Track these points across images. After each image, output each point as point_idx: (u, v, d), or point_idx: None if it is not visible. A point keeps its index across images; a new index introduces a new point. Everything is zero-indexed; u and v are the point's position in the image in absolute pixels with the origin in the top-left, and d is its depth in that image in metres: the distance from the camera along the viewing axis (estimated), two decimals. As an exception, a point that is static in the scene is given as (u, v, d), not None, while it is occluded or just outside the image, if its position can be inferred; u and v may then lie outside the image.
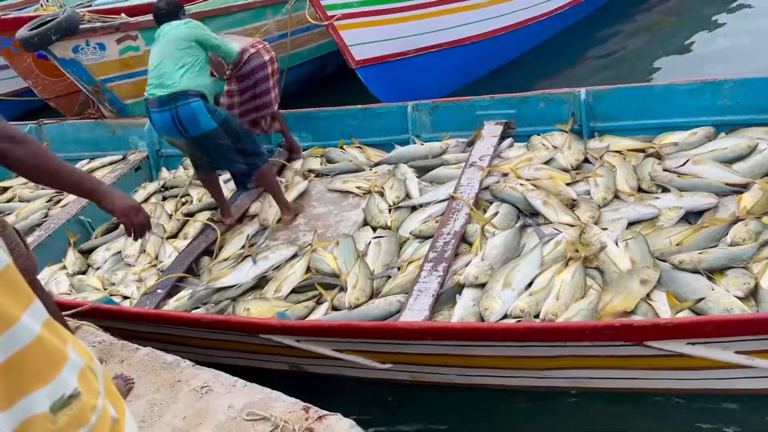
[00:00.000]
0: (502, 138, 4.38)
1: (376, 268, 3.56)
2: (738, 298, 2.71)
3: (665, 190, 3.57)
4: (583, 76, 6.44)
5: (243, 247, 4.07)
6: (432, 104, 4.73)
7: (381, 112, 4.90)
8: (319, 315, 3.36)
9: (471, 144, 4.56)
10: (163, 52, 3.79)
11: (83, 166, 5.66)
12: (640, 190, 3.65)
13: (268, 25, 6.77)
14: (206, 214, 4.60)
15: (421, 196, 4.06)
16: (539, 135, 4.32)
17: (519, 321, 2.81)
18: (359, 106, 4.97)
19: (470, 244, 3.55)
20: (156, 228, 4.54)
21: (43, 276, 4.37)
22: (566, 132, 4.27)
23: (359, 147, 4.95)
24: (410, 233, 3.77)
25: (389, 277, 3.51)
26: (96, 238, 4.73)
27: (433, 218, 3.87)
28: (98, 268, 4.38)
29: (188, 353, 3.47)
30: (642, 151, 3.94)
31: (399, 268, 3.53)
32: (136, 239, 2.26)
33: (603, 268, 3.09)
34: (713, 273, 2.91)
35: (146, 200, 5.05)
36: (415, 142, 4.74)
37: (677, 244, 3.13)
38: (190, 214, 4.68)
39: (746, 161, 3.57)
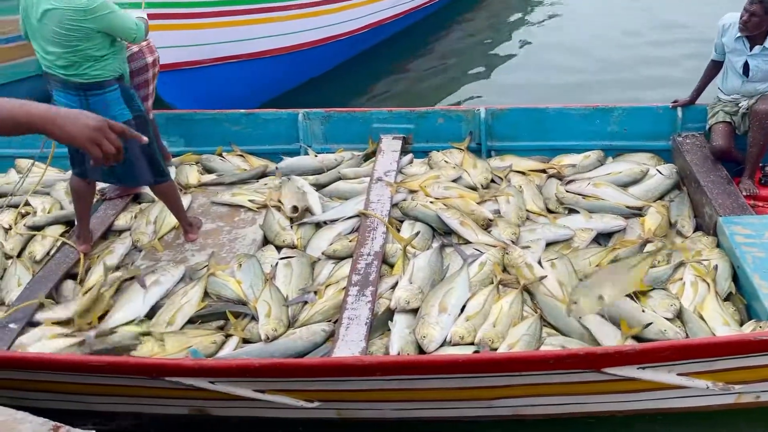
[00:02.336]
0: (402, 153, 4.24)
1: (289, 293, 3.19)
2: (666, 319, 2.83)
3: (571, 210, 3.67)
4: (390, 91, 6.64)
5: (117, 268, 3.43)
6: (325, 114, 4.44)
7: (267, 118, 4.49)
8: (230, 350, 2.91)
9: (367, 158, 4.36)
10: (36, 21, 3.08)
11: None
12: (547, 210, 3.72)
13: None
14: (57, 229, 3.84)
15: (327, 212, 3.76)
16: (440, 151, 4.24)
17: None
18: (242, 110, 4.52)
19: (390, 265, 3.34)
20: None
21: None
22: (463, 150, 4.24)
23: (241, 155, 4.49)
24: (323, 253, 3.45)
25: (305, 302, 3.17)
26: None
27: (342, 236, 3.59)
28: None
29: (56, 401, 2.85)
30: (542, 171, 4.04)
31: (316, 293, 3.20)
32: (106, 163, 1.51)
33: (532, 290, 3.06)
34: (636, 295, 3.02)
35: (-31, 210, 4.10)
36: (307, 153, 4.41)
37: (596, 266, 3.20)
38: (37, 228, 3.88)
39: (640, 185, 3.80)
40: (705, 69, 3.93)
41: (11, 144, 4.58)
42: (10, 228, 3.94)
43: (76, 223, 3.59)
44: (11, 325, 3.02)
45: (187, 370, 2.52)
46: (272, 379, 2.62)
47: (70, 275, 3.44)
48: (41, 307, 3.15)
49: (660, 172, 3.85)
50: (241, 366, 2.51)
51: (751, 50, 3.59)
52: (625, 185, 3.81)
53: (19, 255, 3.71)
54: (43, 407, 2.90)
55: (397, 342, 2.81)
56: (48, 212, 3.99)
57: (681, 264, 3.12)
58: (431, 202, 3.69)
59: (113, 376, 2.61)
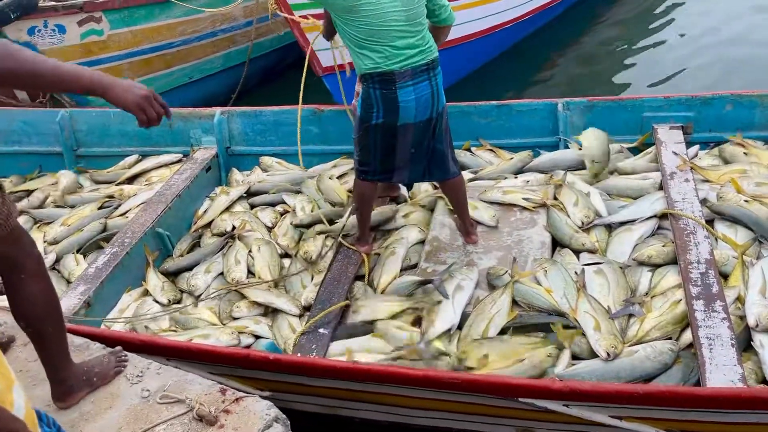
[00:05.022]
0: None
1: (611, 305, 2.86)
2: None
3: None
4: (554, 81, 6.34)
5: (408, 269, 3.28)
6: (588, 102, 4.06)
7: (521, 110, 4.18)
8: (564, 366, 2.62)
9: (638, 151, 3.94)
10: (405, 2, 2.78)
11: (134, 165, 4.65)
12: None
13: (236, 12, 6.17)
14: (319, 228, 3.75)
15: (621, 213, 3.38)
16: (732, 142, 3.73)
17: None
18: (493, 102, 4.24)
19: (722, 275, 2.91)
20: (265, 247, 3.65)
21: (125, 304, 3.44)
22: (741, 143, 3.69)
23: (491, 150, 4.22)
24: (633, 259, 3.09)
25: (630, 315, 2.83)
26: (182, 255, 3.80)
27: (644, 240, 3.22)
28: (199, 296, 3.46)
29: (374, 411, 2.72)
30: None
31: (641, 304, 2.85)
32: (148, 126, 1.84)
33: None
34: None
35: (228, 208, 4.13)
36: (567, 146, 4.05)
37: None
38: (303, 227, 3.82)
39: None
40: None
41: (255, 141, 4.63)
42: (273, 226, 3.94)
43: (360, 228, 3.45)
44: (321, 330, 2.93)
45: (553, 393, 2.26)
46: (636, 407, 2.30)
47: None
48: (345, 309, 3.05)
49: None
50: (624, 392, 2.22)
51: None
52: None
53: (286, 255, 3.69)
54: (365, 417, 2.79)
55: (780, 369, 2.40)
56: (310, 211, 3.93)
57: None
58: (745, 201, 3.22)
59: (461, 393, 2.40)
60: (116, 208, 4.20)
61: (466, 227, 3.39)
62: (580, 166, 3.88)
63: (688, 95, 3.91)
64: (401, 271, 3.32)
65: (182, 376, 2.27)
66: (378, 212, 3.57)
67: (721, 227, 3.16)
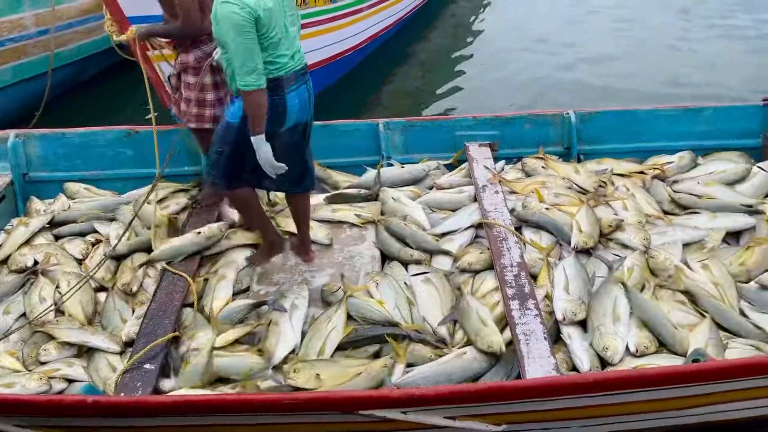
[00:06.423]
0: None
1: (443, 311, 3.00)
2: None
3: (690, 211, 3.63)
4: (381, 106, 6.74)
5: (239, 293, 3.16)
6: (406, 123, 4.27)
7: (345, 130, 4.28)
8: (399, 375, 2.69)
9: (453, 167, 4.22)
10: (282, 6, 2.82)
11: None
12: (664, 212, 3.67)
13: (25, 19, 5.77)
14: (142, 256, 3.50)
15: (443, 224, 3.59)
16: (531, 157, 4.14)
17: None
18: (318, 122, 4.27)
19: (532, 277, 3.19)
20: (75, 281, 3.31)
21: None
22: (543, 157, 4.13)
23: (322, 169, 4.25)
24: (457, 267, 3.28)
25: (455, 321, 2.99)
26: (-28, 298, 3.31)
27: (464, 248, 3.44)
28: (-2, 341, 3.03)
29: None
30: (640, 173, 3.99)
31: (465, 309, 3.03)
32: None
33: (695, 293, 3.00)
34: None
35: (29, 241, 3.69)
36: (390, 164, 4.22)
37: (740, 264, 3.18)
38: (120, 257, 3.53)
39: (747, 183, 3.80)
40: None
41: (58, 167, 4.21)
42: (84, 258, 3.59)
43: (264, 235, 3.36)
44: (147, 366, 2.70)
45: (392, 402, 2.31)
46: (467, 405, 2.44)
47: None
48: (174, 341, 2.85)
49: (763, 169, 3.87)
50: (457, 392, 2.34)
51: None
52: (728, 184, 3.81)
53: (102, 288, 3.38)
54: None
55: (586, 356, 2.69)
56: (126, 239, 3.64)
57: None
58: (546, 208, 3.59)
59: (301, 414, 2.36)
60: None
61: (306, 243, 3.37)
62: (406, 182, 4.07)
63: (493, 115, 4.28)
64: (233, 295, 3.20)
65: None
66: (204, 236, 3.41)
67: (528, 233, 3.48)
